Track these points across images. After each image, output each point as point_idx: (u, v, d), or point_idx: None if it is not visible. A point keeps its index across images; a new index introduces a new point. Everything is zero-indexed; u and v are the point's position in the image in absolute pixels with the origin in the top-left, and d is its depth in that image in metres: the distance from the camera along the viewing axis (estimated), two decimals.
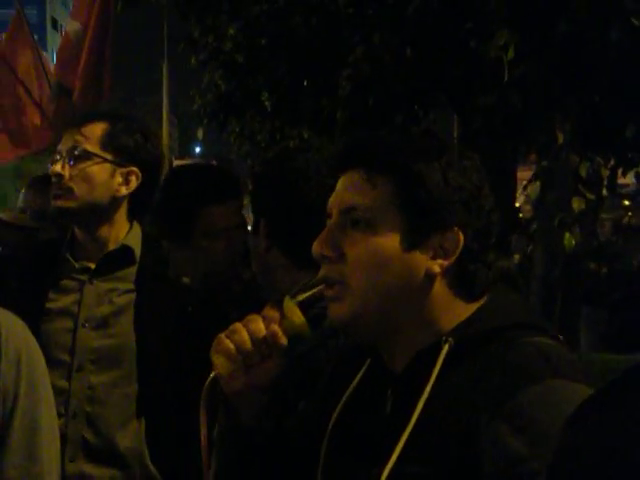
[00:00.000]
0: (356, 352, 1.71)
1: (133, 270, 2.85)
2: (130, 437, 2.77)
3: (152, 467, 2.78)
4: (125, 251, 2.85)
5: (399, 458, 1.43)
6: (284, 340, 1.64)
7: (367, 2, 5.59)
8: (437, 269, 1.52)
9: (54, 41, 48.57)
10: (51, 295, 2.82)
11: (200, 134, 8.80)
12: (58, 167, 2.76)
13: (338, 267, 1.56)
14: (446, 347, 1.48)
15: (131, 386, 2.76)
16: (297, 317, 1.66)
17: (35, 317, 2.46)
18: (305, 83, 6.72)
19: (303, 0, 6.18)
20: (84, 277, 2.83)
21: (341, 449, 1.63)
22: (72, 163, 2.73)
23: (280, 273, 2.25)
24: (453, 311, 1.54)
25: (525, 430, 1.32)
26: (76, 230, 2.86)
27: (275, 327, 1.64)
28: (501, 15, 5.15)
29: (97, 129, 2.78)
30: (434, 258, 1.52)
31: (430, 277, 1.52)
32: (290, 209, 2.21)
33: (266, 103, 7.45)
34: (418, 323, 1.54)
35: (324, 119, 6.64)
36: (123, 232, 2.87)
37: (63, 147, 2.77)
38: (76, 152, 2.73)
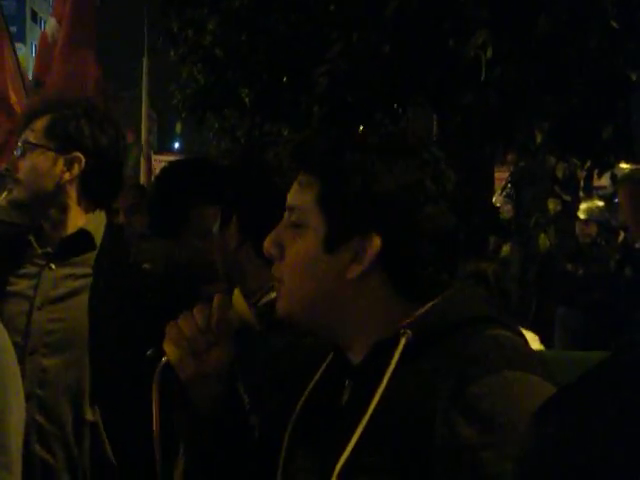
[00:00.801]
0: (322, 346, 1.73)
1: (93, 255, 2.91)
2: (83, 421, 2.80)
3: (109, 452, 2.80)
4: (83, 236, 2.91)
5: (354, 449, 1.43)
6: (228, 328, 1.69)
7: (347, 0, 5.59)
8: (351, 275, 1.51)
9: (33, 34, 48.30)
10: (11, 279, 2.89)
11: (179, 128, 8.78)
12: (8, 163, 2.94)
13: (280, 265, 1.60)
14: (403, 340, 1.48)
15: (83, 370, 2.80)
16: (243, 308, 1.70)
17: None
18: (284, 79, 6.70)
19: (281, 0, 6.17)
20: (43, 262, 2.89)
21: (301, 442, 1.65)
22: (20, 157, 2.86)
23: (251, 270, 2.22)
24: (400, 309, 1.53)
25: (478, 420, 1.33)
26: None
27: (220, 316, 1.68)
28: (480, 15, 5.15)
29: (43, 121, 2.89)
30: (352, 262, 1.51)
31: (353, 280, 1.52)
32: (264, 204, 2.19)
33: (245, 99, 7.42)
34: (362, 321, 1.55)
35: (302, 115, 6.64)
36: (82, 218, 2.94)
37: (18, 144, 2.91)
38: (23, 146, 2.86)
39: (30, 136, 2.88)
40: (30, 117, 2.95)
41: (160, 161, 13.67)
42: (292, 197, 1.60)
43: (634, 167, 7.02)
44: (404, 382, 1.44)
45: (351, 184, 1.52)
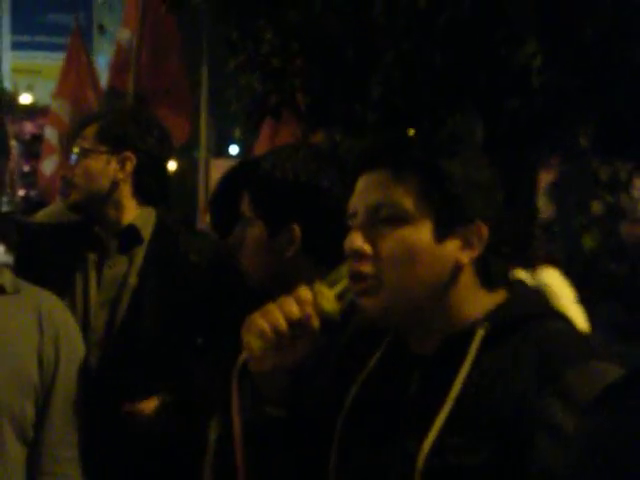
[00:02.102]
0: (371, 333, 1.71)
1: (143, 249, 2.98)
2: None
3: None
4: (132, 231, 2.98)
5: (441, 430, 1.44)
6: (317, 323, 1.63)
7: (400, 10, 5.54)
8: (465, 260, 1.53)
9: (100, 45, 48.91)
10: (74, 274, 2.96)
11: (237, 133, 8.80)
12: (64, 170, 3.17)
13: (371, 263, 1.56)
14: (481, 331, 1.49)
15: (139, 360, 2.85)
16: (329, 302, 1.64)
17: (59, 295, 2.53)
18: (338, 87, 6.67)
19: (338, 8, 6.11)
20: (100, 258, 2.98)
21: (359, 427, 1.63)
22: (75, 163, 2.95)
23: (305, 277, 2.17)
24: (478, 299, 1.55)
25: (574, 407, 1.33)
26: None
27: (310, 309, 1.62)
28: (530, 24, 5.11)
29: (93, 128, 2.98)
30: (462, 249, 1.53)
31: (459, 268, 1.53)
32: (327, 214, 2.15)
33: (300, 105, 7.39)
34: (446, 311, 1.56)
35: (356, 121, 6.61)
36: (133, 215, 3.01)
37: (73, 152, 3.02)
38: (77, 153, 2.96)
39: (82, 143, 2.95)
40: (81, 127, 3.02)
41: (218, 165, 13.68)
42: (380, 195, 1.58)
43: None
44: (484, 369, 1.47)
45: (454, 176, 1.54)
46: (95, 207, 2.97)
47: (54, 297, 2.42)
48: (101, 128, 2.95)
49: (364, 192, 1.61)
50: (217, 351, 2.68)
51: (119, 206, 2.97)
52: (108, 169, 2.95)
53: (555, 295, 5.75)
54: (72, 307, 2.79)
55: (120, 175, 2.95)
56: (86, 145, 2.94)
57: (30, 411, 2.25)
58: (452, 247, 1.53)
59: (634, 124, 6.09)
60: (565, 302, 5.92)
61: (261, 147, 9.98)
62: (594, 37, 5.37)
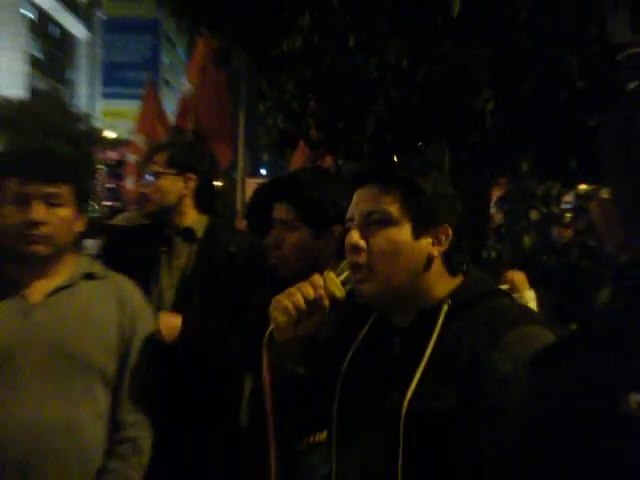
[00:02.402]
0: (359, 310, 1.70)
1: (197, 245, 2.99)
2: None
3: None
4: (188, 232, 2.99)
5: (418, 383, 1.44)
6: (327, 302, 1.63)
7: (389, 67, 5.53)
8: (436, 253, 1.55)
9: (165, 95, 48.90)
10: (150, 265, 2.96)
11: (266, 158, 8.92)
12: (141, 188, 3.14)
13: (365, 255, 1.56)
14: (446, 307, 1.50)
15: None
16: (336, 287, 1.63)
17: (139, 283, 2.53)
18: (341, 124, 6.67)
19: (341, 66, 6.09)
20: (165, 251, 2.98)
21: (354, 384, 1.61)
22: (150, 182, 2.98)
23: (333, 265, 2.15)
24: (444, 282, 1.56)
25: (510, 359, 1.34)
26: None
27: (322, 292, 1.62)
28: (485, 79, 5.10)
29: (162, 155, 2.98)
30: (433, 245, 1.55)
31: (430, 259, 1.55)
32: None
33: (313, 138, 7.41)
34: (420, 291, 1.55)
35: (354, 150, 6.62)
36: (192, 220, 3.01)
37: (147, 174, 3.06)
38: (150, 175, 2.98)
39: (154, 167, 2.95)
40: (152, 154, 3.03)
41: (251, 184, 13.68)
42: (372, 203, 1.57)
43: (592, 187, 6.88)
44: (448, 335, 1.46)
45: (427, 190, 1.55)
46: (165, 215, 2.93)
47: (132, 283, 2.42)
48: (170, 156, 2.97)
49: (359, 202, 1.60)
50: (248, 322, 2.68)
51: (182, 214, 3.00)
52: (175, 187, 2.94)
53: None
54: (148, 290, 2.77)
55: (184, 191, 2.96)
56: (159, 169, 2.94)
57: (112, 368, 2.29)
58: (426, 243, 1.54)
59: (563, 154, 6.07)
60: None
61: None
62: (532, 89, 5.35)
